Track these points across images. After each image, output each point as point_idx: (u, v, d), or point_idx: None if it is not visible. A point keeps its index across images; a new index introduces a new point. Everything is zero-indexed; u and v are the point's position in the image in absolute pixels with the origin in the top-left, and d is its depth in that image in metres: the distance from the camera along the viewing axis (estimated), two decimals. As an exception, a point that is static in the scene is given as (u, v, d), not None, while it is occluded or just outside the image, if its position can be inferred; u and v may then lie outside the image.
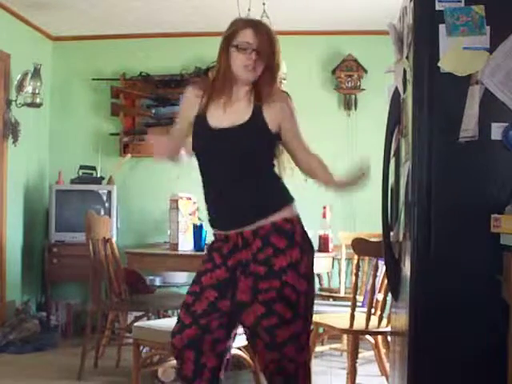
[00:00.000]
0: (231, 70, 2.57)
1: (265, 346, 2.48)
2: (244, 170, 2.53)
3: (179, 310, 2.64)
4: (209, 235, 4.12)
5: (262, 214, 2.51)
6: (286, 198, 2.59)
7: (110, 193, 5.73)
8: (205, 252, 2.72)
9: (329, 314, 3.97)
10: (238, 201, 2.53)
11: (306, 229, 2.59)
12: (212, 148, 2.58)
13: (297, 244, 2.51)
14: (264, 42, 2.54)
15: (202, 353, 2.55)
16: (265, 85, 2.57)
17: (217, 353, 2.57)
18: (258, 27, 2.58)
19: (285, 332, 2.45)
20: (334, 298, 4.84)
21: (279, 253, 2.48)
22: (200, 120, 2.60)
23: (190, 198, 4.18)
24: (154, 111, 6.02)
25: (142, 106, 6.09)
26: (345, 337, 4.62)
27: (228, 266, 2.55)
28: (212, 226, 2.64)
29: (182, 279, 5.61)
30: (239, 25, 2.58)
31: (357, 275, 3.56)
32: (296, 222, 2.55)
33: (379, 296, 3.57)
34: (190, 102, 2.68)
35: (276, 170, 2.63)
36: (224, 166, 2.54)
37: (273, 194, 2.57)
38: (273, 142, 2.59)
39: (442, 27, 2.36)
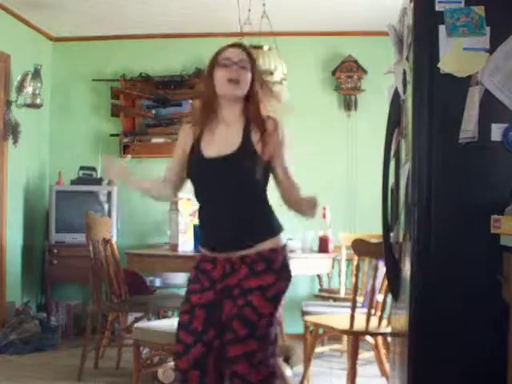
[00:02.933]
0: (215, 91, 2.59)
1: (220, 360, 2.52)
2: (236, 198, 2.56)
3: (178, 331, 2.62)
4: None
5: (250, 243, 2.55)
6: (274, 229, 2.62)
7: (110, 193, 5.73)
8: (192, 270, 2.74)
9: (329, 315, 3.97)
10: (228, 228, 2.56)
11: (288, 258, 2.63)
12: (204, 177, 2.62)
13: (273, 270, 2.54)
14: (243, 53, 2.59)
15: (205, 372, 2.55)
16: (252, 109, 2.59)
17: (218, 372, 2.57)
18: (236, 44, 2.68)
19: (236, 349, 2.47)
20: (334, 299, 4.84)
21: (253, 275, 2.52)
22: (194, 149, 2.63)
23: (190, 199, 4.18)
24: (154, 112, 6.02)
25: (142, 106, 6.09)
26: (345, 338, 4.62)
27: (216, 290, 2.59)
28: (201, 244, 2.69)
29: (182, 280, 5.60)
30: (221, 47, 2.65)
31: (357, 276, 3.56)
32: (280, 252, 2.59)
33: (379, 297, 3.57)
34: (185, 137, 2.71)
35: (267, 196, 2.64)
36: (216, 194, 2.57)
37: (262, 224, 2.60)
38: (265, 168, 2.57)
39: (441, 28, 2.36)
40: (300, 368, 4.02)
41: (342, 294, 4.77)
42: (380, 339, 3.81)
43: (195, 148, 2.62)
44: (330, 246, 4.35)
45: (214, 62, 2.60)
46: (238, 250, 2.55)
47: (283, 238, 2.64)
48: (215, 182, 2.57)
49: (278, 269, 2.56)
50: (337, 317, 3.81)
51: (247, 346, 2.47)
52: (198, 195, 2.66)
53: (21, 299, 5.60)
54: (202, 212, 2.66)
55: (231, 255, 2.56)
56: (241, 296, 2.51)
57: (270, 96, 2.65)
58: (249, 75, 2.58)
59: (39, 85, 5.40)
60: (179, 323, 2.63)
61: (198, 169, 2.62)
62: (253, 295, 2.50)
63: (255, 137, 2.55)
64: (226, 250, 2.57)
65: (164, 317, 4.55)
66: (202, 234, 2.69)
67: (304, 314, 4.26)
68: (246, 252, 2.54)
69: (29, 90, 5.38)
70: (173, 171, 2.75)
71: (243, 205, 2.57)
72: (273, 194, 2.63)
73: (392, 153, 2.84)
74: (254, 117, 2.58)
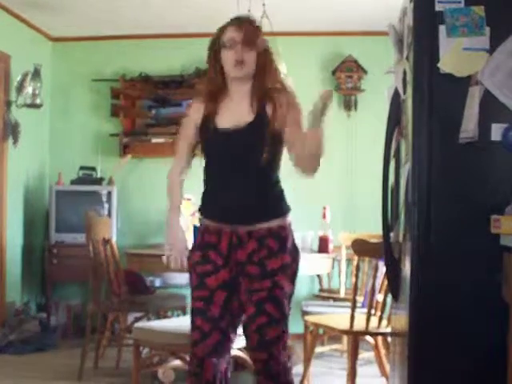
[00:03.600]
0: (224, 71, 2.63)
1: (254, 345, 2.53)
2: (249, 171, 2.58)
3: (194, 318, 2.60)
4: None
5: (263, 218, 2.57)
6: (285, 207, 2.65)
7: (110, 193, 5.73)
8: (194, 248, 2.65)
9: (329, 315, 3.97)
10: (243, 200, 2.56)
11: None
12: (218, 148, 2.62)
13: (288, 250, 2.58)
14: (248, 32, 2.62)
15: (221, 358, 2.59)
16: (261, 82, 2.62)
17: (229, 355, 2.64)
18: (240, 20, 2.70)
19: (273, 331, 2.51)
20: (334, 299, 4.85)
21: (272, 255, 2.54)
22: (207, 122, 2.63)
23: (190, 199, 4.18)
24: (154, 112, 6.02)
25: (141, 106, 6.08)
26: (345, 338, 4.62)
27: (231, 268, 2.58)
28: (205, 215, 2.67)
29: (181, 280, 5.60)
30: (223, 25, 2.69)
31: (357, 276, 3.56)
32: (289, 229, 2.62)
33: (379, 297, 3.57)
34: (195, 113, 2.70)
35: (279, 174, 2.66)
36: (229, 165, 2.58)
37: (275, 201, 2.63)
38: (280, 141, 2.60)
39: (441, 28, 2.36)
40: (300, 368, 4.02)
41: (342, 294, 4.77)
42: (380, 339, 3.81)
43: (208, 121, 2.62)
44: (330, 246, 4.36)
45: (218, 43, 2.63)
46: (245, 224, 2.56)
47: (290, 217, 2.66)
48: (229, 152, 2.58)
49: (290, 248, 2.60)
50: (337, 317, 3.81)
51: (280, 327, 2.52)
52: (210, 166, 2.65)
53: (21, 299, 5.60)
54: (210, 183, 2.65)
55: (238, 228, 2.56)
56: (265, 277, 2.51)
57: (276, 67, 2.69)
58: (253, 53, 2.62)
59: (39, 85, 5.40)
60: (194, 309, 2.60)
61: (213, 140, 2.62)
62: (279, 276, 2.53)
63: (269, 109, 2.57)
64: (233, 222, 2.56)
65: (164, 317, 4.55)
66: (206, 206, 2.67)
67: (304, 314, 4.26)
68: (254, 227, 2.55)
69: (29, 90, 5.37)
70: (184, 158, 2.74)
71: (256, 178, 2.59)
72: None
73: (392, 153, 2.84)
74: (264, 91, 2.60)
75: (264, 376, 2.55)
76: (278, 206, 2.63)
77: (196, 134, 2.67)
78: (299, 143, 2.52)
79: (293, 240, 2.63)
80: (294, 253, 2.62)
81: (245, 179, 2.58)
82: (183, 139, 2.74)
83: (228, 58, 2.60)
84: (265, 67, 2.64)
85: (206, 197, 2.66)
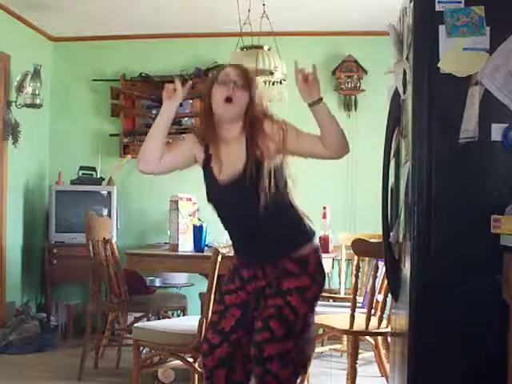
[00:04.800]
0: (212, 110, 2.61)
1: (252, 359, 2.54)
2: (257, 218, 2.58)
3: (208, 330, 2.71)
4: (209, 236, 4.14)
5: (282, 255, 2.60)
6: (305, 236, 2.65)
7: (110, 193, 5.74)
8: (228, 271, 2.80)
9: (329, 315, 3.97)
10: (258, 245, 2.64)
11: (321, 261, 2.67)
12: (222, 200, 2.65)
13: (309, 273, 2.60)
14: (240, 72, 2.62)
15: (233, 370, 2.61)
16: (252, 123, 2.60)
17: (247, 370, 2.63)
18: (236, 64, 2.76)
19: (273, 348, 2.51)
20: (334, 299, 4.84)
21: (290, 276, 2.57)
22: (207, 172, 2.67)
23: (190, 199, 4.18)
24: (154, 112, 6.01)
25: (142, 106, 6.09)
26: (345, 338, 4.62)
27: (247, 290, 2.66)
28: (242, 263, 2.73)
29: (182, 280, 5.61)
30: (219, 68, 2.72)
31: (357, 276, 3.56)
32: (312, 253, 2.63)
33: (379, 297, 3.57)
34: (192, 145, 2.73)
35: (291, 198, 2.66)
36: (238, 216, 2.63)
37: (292, 234, 2.64)
38: (280, 174, 2.61)
39: (441, 28, 2.36)
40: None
41: (342, 294, 4.77)
42: (380, 339, 3.81)
43: (207, 170, 2.65)
44: (330, 246, 4.35)
45: (213, 80, 2.64)
46: (270, 263, 2.61)
47: (315, 241, 2.69)
48: (232, 204, 2.60)
49: (312, 272, 2.61)
50: (337, 317, 3.81)
51: (284, 345, 2.52)
52: (221, 218, 2.70)
53: (21, 299, 5.60)
54: (228, 232, 2.73)
55: (265, 268, 2.62)
56: (278, 296, 2.54)
57: (270, 118, 2.64)
58: (245, 94, 2.59)
59: (39, 85, 5.40)
60: (209, 322, 2.73)
61: (216, 193, 2.65)
62: (291, 296, 2.54)
63: (259, 150, 2.56)
64: (261, 265, 2.63)
65: (164, 317, 4.55)
66: (232, 244, 2.77)
67: (304, 313, 4.25)
68: (278, 263, 2.59)
69: (29, 90, 5.37)
70: (168, 158, 2.73)
71: (266, 221, 2.59)
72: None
73: (392, 153, 2.84)
74: (255, 135, 2.58)
75: None
76: (296, 238, 2.64)
77: (185, 162, 2.73)
78: (313, 143, 2.62)
79: (317, 263, 2.63)
80: (317, 276, 2.63)
81: (258, 225, 2.60)
82: (173, 152, 2.74)
83: (218, 94, 2.59)
84: (257, 112, 2.62)
85: (231, 241, 2.76)
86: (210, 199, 2.67)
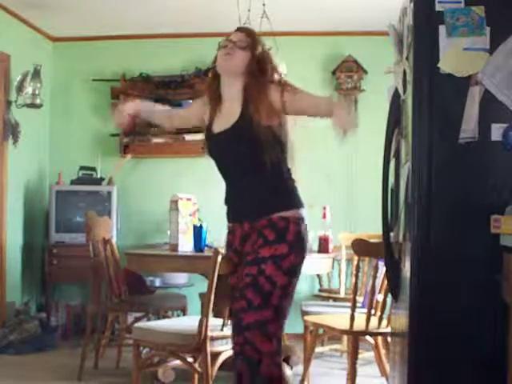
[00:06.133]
0: (216, 70, 2.78)
1: (233, 327, 2.62)
2: (245, 171, 2.69)
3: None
4: (209, 236, 4.14)
5: (263, 213, 2.65)
6: (290, 201, 2.68)
7: (110, 193, 5.74)
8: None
9: (329, 315, 3.97)
10: (243, 197, 2.72)
11: (306, 232, 2.69)
12: (215, 152, 2.80)
13: (287, 241, 2.61)
14: (243, 34, 2.75)
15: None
16: (252, 81, 2.69)
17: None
18: (241, 28, 2.87)
19: (250, 317, 2.54)
20: (334, 299, 4.84)
21: (266, 244, 2.61)
22: (207, 126, 2.81)
23: (190, 199, 4.18)
24: (154, 112, 6.02)
25: (142, 106, 6.08)
26: (345, 338, 4.62)
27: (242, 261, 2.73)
28: (227, 218, 2.86)
29: (182, 280, 5.61)
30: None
31: (357, 276, 3.56)
32: (293, 221, 2.63)
33: (379, 297, 3.57)
34: (201, 105, 2.90)
35: (289, 165, 2.73)
36: (230, 167, 2.76)
37: (275, 196, 2.68)
38: (274, 136, 2.65)
39: (441, 28, 2.36)
40: (300, 368, 4.02)
41: (342, 294, 4.77)
42: (380, 339, 3.81)
43: (208, 125, 2.80)
44: (330, 246, 4.35)
45: (219, 45, 2.79)
46: (249, 220, 2.69)
47: (303, 213, 2.70)
48: (224, 155, 2.74)
49: (291, 240, 2.61)
50: (337, 317, 3.81)
51: (261, 314, 2.55)
52: (219, 170, 2.82)
53: (21, 299, 5.60)
54: (226, 186, 2.83)
55: (244, 224, 2.71)
56: (254, 264, 2.60)
57: (273, 69, 2.76)
58: (245, 54, 2.70)
59: (39, 85, 5.40)
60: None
61: (211, 144, 2.80)
62: (266, 264, 2.57)
63: (253, 107, 2.63)
64: (240, 220, 2.73)
65: (164, 317, 4.55)
66: (226, 207, 2.86)
67: (304, 313, 4.26)
68: (257, 221, 2.66)
69: (29, 90, 5.37)
70: (179, 113, 3.11)
71: (256, 175, 2.67)
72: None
73: (392, 153, 2.84)
74: (253, 91, 2.67)
75: (241, 360, 2.57)
76: (279, 200, 2.67)
77: (197, 116, 2.91)
78: (319, 107, 2.67)
79: (298, 234, 2.64)
80: (297, 246, 2.63)
81: (244, 178, 2.71)
82: (187, 108, 3.11)
83: (219, 55, 2.75)
84: (259, 68, 2.72)
85: (225, 197, 2.85)
86: (207, 152, 2.82)
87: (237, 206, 2.78)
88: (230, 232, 2.82)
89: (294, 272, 2.63)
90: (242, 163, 2.69)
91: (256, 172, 2.67)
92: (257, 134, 2.61)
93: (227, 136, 2.70)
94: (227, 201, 2.83)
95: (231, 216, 2.81)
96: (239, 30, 2.83)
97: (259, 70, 2.71)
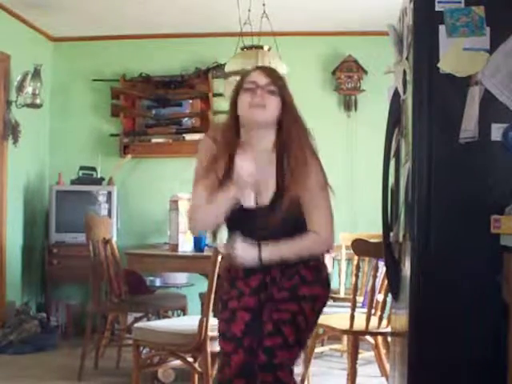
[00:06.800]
0: (238, 116, 2.40)
1: (261, 365, 2.37)
2: (276, 239, 2.42)
3: (219, 339, 2.47)
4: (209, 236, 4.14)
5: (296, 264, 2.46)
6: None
7: (110, 194, 5.74)
8: (224, 280, 2.59)
9: (329, 315, 3.96)
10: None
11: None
12: (242, 224, 2.44)
13: (321, 281, 2.49)
14: (274, 78, 2.39)
15: (253, 378, 2.40)
16: (286, 140, 2.38)
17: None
18: (263, 67, 2.54)
19: (284, 354, 2.37)
20: (334, 299, 4.83)
21: (305, 283, 2.44)
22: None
23: (190, 199, 4.18)
24: (154, 112, 6.02)
25: (142, 106, 6.09)
26: (345, 337, 4.62)
27: (259, 298, 2.47)
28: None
29: (182, 280, 5.61)
30: (247, 71, 2.48)
31: (357, 276, 3.56)
32: (322, 261, 2.54)
33: (379, 297, 3.57)
34: (211, 154, 2.44)
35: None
36: (258, 237, 2.41)
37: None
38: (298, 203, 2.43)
39: (441, 28, 2.36)
40: (300, 368, 4.02)
41: (342, 294, 4.77)
42: (380, 339, 3.81)
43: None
44: (330, 246, 4.34)
45: (239, 86, 2.41)
46: (281, 267, 2.44)
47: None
48: (256, 229, 2.40)
49: (324, 279, 2.51)
50: (337, 317, 3.81)
51: (293, 353, 2.41)
52: (234, 228, 2.47)
53: (21, 299, 5.60)
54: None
55: (271, 271, 2.45)
56: (293, 301, 2.41)
57: (302, 129, 2.46)
58: (277, 100, 2.38)
59: (39, 85, 5.40)
60: (219, 332, 2.50)
61: (235, 216, 2.41)
62: (306, 303, 2.42)
63: (288, 177, 2.36)
64: (264, 270, 2.44)
65: (164, 317, 4.55)
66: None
67: (304, 313, 4.25)
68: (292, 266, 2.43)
69: (29, 89, 5.37)
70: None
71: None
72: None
73: (392, 153, 2.84)
74: (288, 149, 2.37)
75: None
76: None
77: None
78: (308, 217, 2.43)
79: (327, 274, 2.55)
80: (327, 284, 2.54)
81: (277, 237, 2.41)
82: (206, 186, 2.42)
83: (245, 100, 2.35)
84: (291, 121, 2.40)
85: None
86: (226, 221, 2.45)
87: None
88: (246, 273, 2.47)
89: (321, 312, 2.53)
90: (274, 235, 2.39)
91: (286, 237, 2.41)
92: (293, 205, 2.36)
93: (264, 213, 2.37)
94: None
95: (257, 270, 2.43)
96: (261, 69, 2.46)
97: (291, 121, 2.40)
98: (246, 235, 2.40)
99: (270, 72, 2.44)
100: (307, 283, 2.44)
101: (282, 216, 2.35)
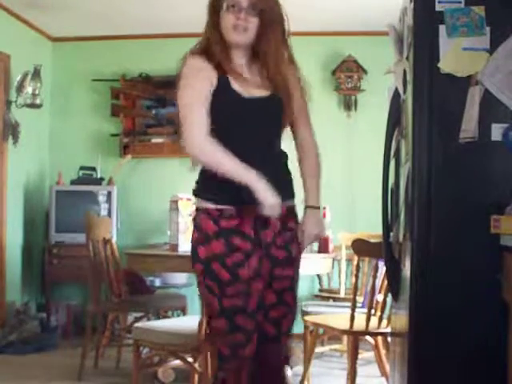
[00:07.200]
0: (220, 32, 2.40)
1: (269, 337, 2.38)
2: (276, 145, 2.45)
3: (232, 317, 2.29)
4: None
5: (287, 195, 2.41)
6: (293, 189, 2.52)
7: (110, 194, 5.73)
8: (210, 237, 2.32)
9: (329, 315, 3.97)
10: (271, 175, 2.28)
11: None
12: (243, 119, 2.36)
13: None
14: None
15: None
16: (270, 52, 2.47)
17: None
18: None
19: (289, 322, 2.44)
20: (334, 299, 4.84)
21: (294, 240, 2.44)
22: (228, 93, 2.35)
23: (190, 199, 4.18)
24: (154, 112, 6.02)
25: (142, 106, 6.09)
26: (345, 338, 4.62)
27: (258, 251, 2.34)
28: (219, 200, 2.32)
29: (181, 280, 5.61)
30: None
31: (357, 276, 3.56)
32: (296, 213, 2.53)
33: (379, 297, 3.57)
34: (207, 73, 2.38)
35: None
36: (256, 138, 2.36)
37: (291, 179, 2.50)
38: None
39: (441, 28, 2.36)
40: (300, 368, 4.02)
41: (342, 294, 4.77)
42: (380, 339, 3.81)
43: (224, 85, 2.35)
44: (330, 246, 4.35)
45: (221, 3, 2.38)
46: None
47: None
48: (254, 123, 2.37)
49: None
50: (337, 317, 3.81)
51: (294, 317, 2.48)
52: (224, 138, 2.30)
53: (21, 299, 5.60)
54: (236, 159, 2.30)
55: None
56: (289, 265, 2.40)
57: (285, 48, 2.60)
58: (256, 20, 2.38)
59: (39, 85, 5.40)
60: (232, 308, 2.28)
61: (238, 110, 2.36)
62: (299, 265, 2.45)
63: (278, 80, 2.42)
64: (256, 202, 2.23)
65: (164, 317, 4.55)
66: (218, 187, 2.31)
67: (304, 314, 4.26)
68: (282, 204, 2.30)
69: (29, 90, 5.38)
70: (205, 123, 2.31)
71: (281, 153, 2.46)
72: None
73: (392, 153, 2.84)
74: (272, 58, 2.47)
75: (269, 368, 2.40)
76: (292, 182, 2.49)
77: (209, 96, 2.34)
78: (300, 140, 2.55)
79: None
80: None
81: (269, 152, 2.39)
82: (198, 101, 2.32)
83: (228, 20, 2.36)
84: (274, 33, 2.50)
85: (216, 178, 2.28)
86: (223, 118, 2.33)
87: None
88: (231, 216, 2.30)
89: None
90: (270, 135, 2.41)
91: (279, 148, 2.44)
92: (287, 108, 2.42)
93: (267, 103, 2.38)
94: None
95: (243, 196, 2.24)
96: None
97: (275, 39, 2.51)
98: (244, 129, 2.35)
99: None
100: (296, 240, 2.44)
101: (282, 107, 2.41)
